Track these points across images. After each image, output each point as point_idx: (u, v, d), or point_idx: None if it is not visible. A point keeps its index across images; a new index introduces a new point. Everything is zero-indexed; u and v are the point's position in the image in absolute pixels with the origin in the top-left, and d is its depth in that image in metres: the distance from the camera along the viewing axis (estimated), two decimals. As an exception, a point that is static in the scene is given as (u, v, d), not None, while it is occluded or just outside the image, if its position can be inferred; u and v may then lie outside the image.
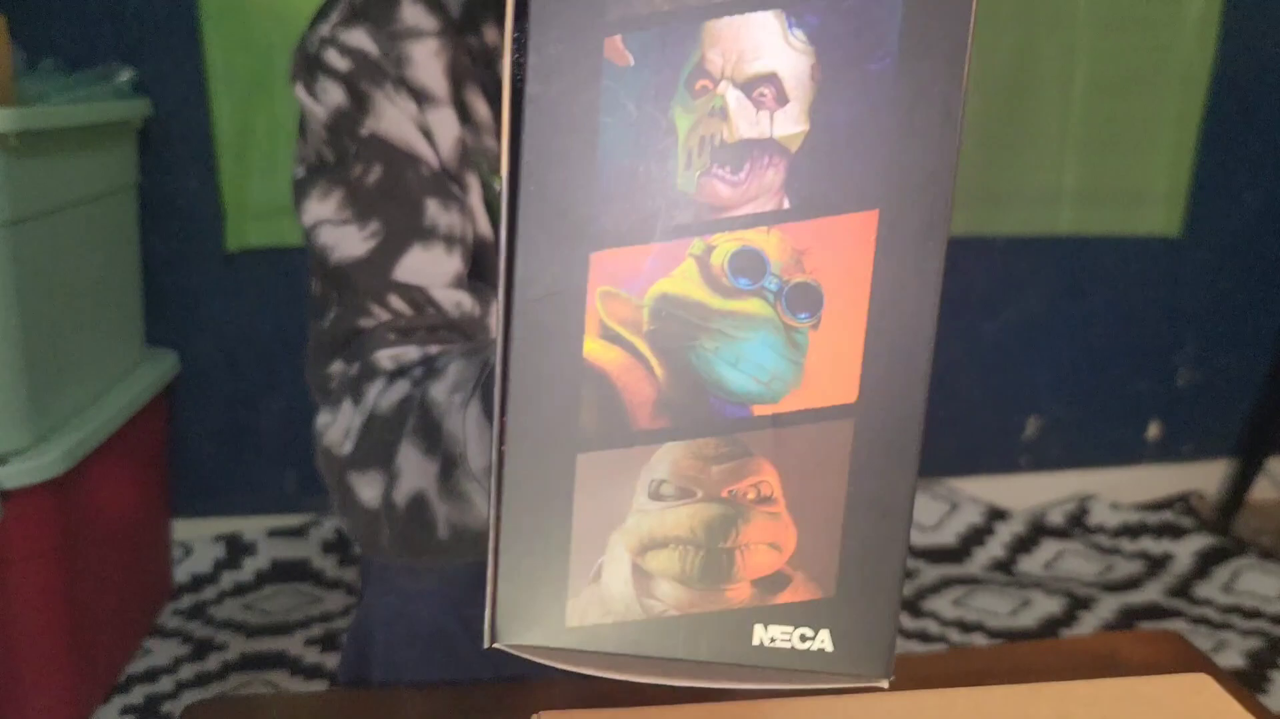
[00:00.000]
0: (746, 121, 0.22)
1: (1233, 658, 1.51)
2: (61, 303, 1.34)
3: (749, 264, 0.23)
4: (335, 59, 0.67)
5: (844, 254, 0.23)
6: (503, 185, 0.22)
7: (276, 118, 1.63)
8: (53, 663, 1.30)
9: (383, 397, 0.60)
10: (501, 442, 0.23)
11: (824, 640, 0.25)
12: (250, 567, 1.74)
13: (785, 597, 0.24)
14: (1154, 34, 1.81)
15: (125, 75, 1.50)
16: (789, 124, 0.22)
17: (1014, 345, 1.95)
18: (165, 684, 1.46)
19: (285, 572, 1.74)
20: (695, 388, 0.23)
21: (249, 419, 1.77)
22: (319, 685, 1.46)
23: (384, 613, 0.72)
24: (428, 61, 0.67)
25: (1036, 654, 0.61)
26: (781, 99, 0.22)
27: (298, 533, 1.79)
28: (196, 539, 1.77)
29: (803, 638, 0.25)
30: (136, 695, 1.43)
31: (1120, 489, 2.00)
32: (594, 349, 0.23)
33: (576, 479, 0.23)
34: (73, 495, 1.31)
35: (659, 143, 0.22)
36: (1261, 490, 2.01)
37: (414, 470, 0.57)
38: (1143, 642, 0.55)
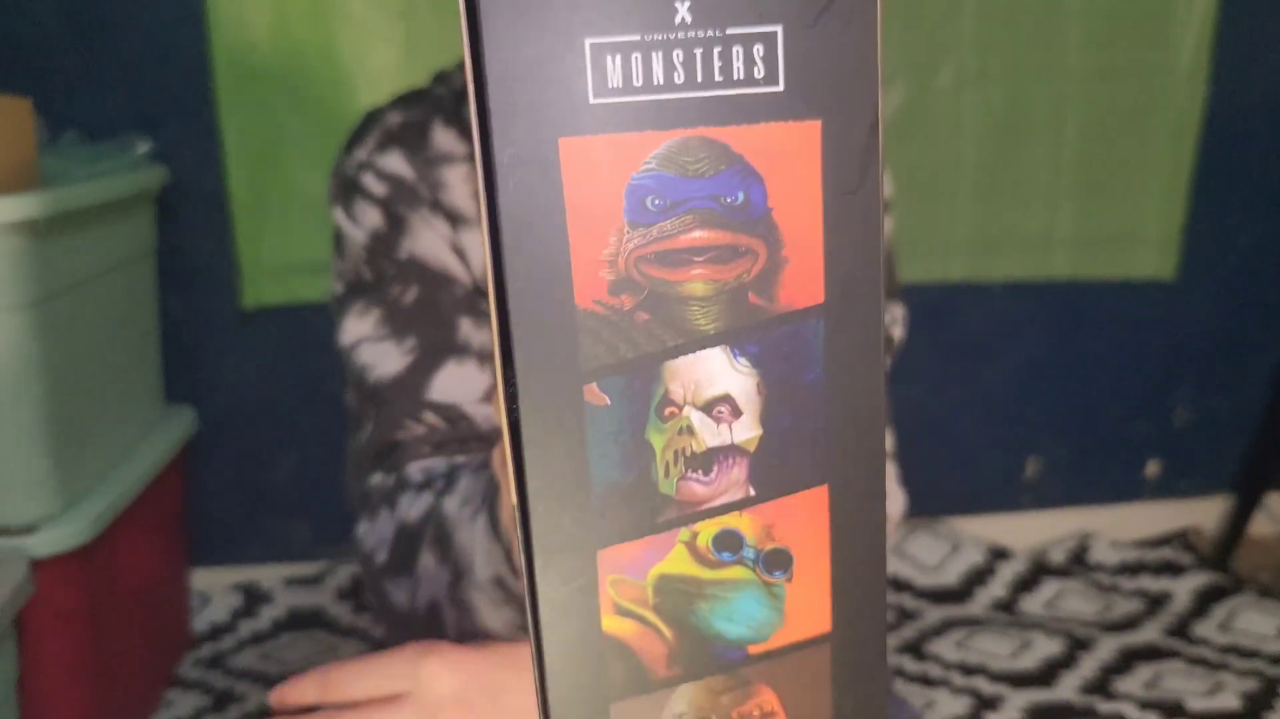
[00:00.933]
0: (710, 434, 0.27)
1: (1229, 699, 1.54)
2: (84, 371, 1.39)
3: (729, 542, 0.28)
4: (373, 183, 0.70)
5: (805, 521, 0.28)
6: (515, 508, 0.26)
7: (289, 180, 1.68)
8: (80, 722, 1.35)
9: (411, 508, 0.64)
10: (545, 703, 0.28)
11: None
12: (267, 615, 1.79)
13: None
14: (1144, 82, 1.85)
15: (144, 147, 1.55)
16: (745, 431, 0.27)
17: (1012, 387, 1.99)
18: (187, 737, 1.50)
19: (301, 620, 1.78)
20: (699, 641, 0.28)
21: (265, 471, 1.82)
22: (336, 737, 1.50)
23: None
24: (460, 185, 0.70)
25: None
26: (736, 413, 0.27)
27: (313, 581, 1.83)
28: (214, 588, 1.81)
29: None
30: (160, 749, 1.47)
31: (1120, 526, 2.04)
32: (611, 624, 0.28)
33: None
34: (99, 559, 1.35)
35: (640, 461, 0.26)
36: (1259, 526, 2.04)
37: (430, 579, 0.61)
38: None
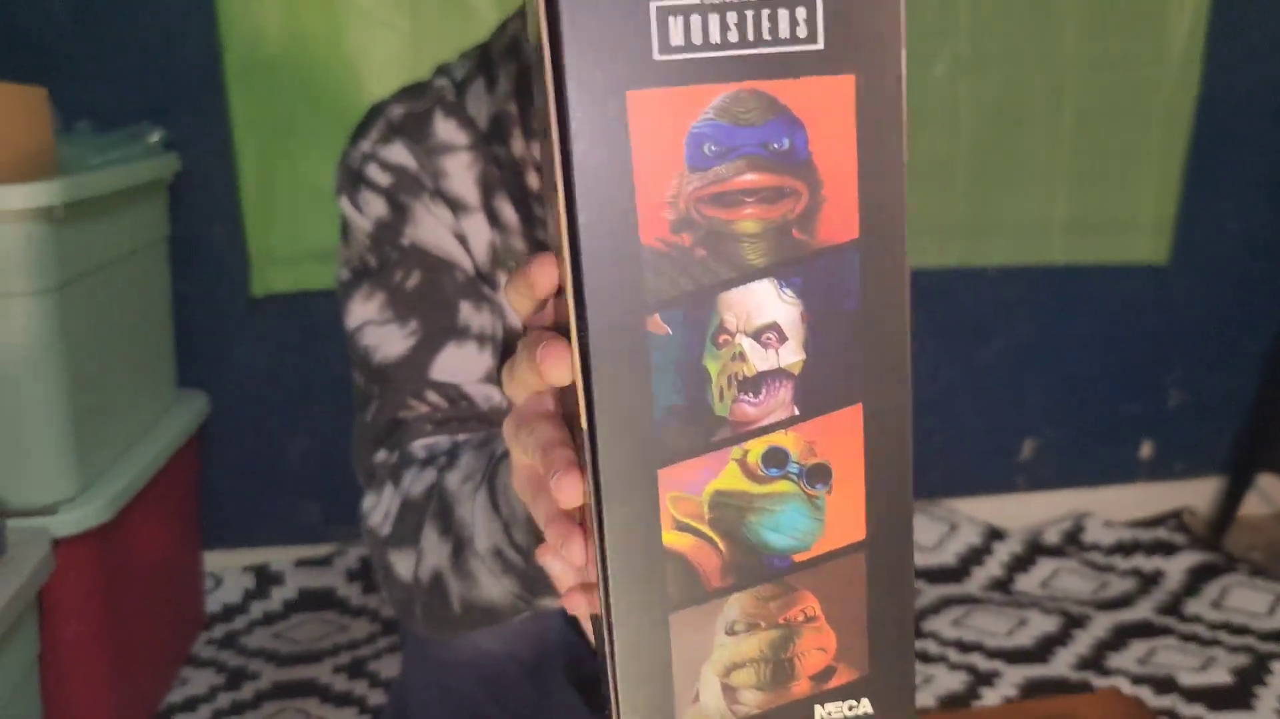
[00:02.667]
0: (760, 359, 0.30)
1: (1220, 675, 1.58)
2: (100, 356, 1.41)
3: (776, 458, 0.31)
4: (376, 173, 0.73)
5: (843, 438, 0.31)
6: (584, 427, 0.30)
7: (298, 169, 1.71)
8: (98, 699, 1.38)
9: (415, 483, 0.66)
10: (609, 614, 0.31)
11: (866, 705, 0.33)
12: (279, 596, 1.82)
13: (834, 682, 0.33)
14: (1139, 69, 1.88)
15: (156, 135, 1.57)
16: (790, 355, 0.30)
17: (1008, 370, 2.02)
18: (203, 713, 1.53)
19: (312, 601, 1.81)
20: (749, 552, 0.31)
21: (275, 454, 1.85)
22: (349, 712, 1.53)
23: (420, 682, 0.77)
24: (461, 173, 0.73)
25: (999, 717, 0.68)
26: (783, 339, 0.30)
27: (323, 562, 1.86)
28: (226, 570, 1.84)
29: (850, 708, 0.33)
30: (176, 725, 1.50)
31: (1114, 507, 2.07)
32: (671, 538, 0.31)
33: (671, 632, 0.31)
34: (116, 539, 1.38)
35: (697, 385, 0.30)
36: (1251, 506, 2.08)
37: (433, 550, 0.63)
38: (1098, 703, 0.62)
